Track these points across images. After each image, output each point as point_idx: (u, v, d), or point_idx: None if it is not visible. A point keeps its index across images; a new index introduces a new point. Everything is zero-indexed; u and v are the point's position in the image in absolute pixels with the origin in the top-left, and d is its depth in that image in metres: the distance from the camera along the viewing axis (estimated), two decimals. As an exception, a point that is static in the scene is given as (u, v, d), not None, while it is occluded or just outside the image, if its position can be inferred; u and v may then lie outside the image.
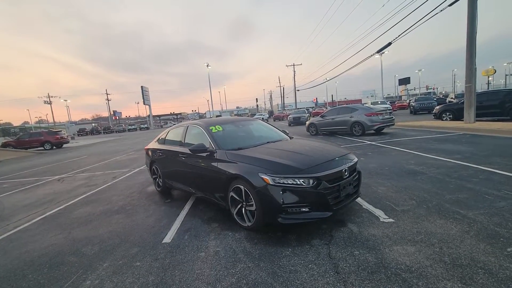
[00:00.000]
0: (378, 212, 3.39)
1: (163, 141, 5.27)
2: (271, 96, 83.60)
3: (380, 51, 17.63)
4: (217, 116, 34.66)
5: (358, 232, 2.95)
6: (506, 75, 59.46)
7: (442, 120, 13.69)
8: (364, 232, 2.92)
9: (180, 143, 4.60)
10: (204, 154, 3.83)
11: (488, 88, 40.85)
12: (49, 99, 56.90)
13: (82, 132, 53.47)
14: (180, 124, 5.18)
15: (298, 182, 2.88)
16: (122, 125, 58.93)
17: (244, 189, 3.15)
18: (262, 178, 2.95)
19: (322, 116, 13.10)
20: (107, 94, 63.68)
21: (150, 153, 5.64)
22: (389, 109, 11.82)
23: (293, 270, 2.36)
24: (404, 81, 52.43)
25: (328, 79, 40.75)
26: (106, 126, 59.53)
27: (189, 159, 4.19)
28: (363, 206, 3.64)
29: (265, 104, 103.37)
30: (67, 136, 25.06)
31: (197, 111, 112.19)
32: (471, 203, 3.39)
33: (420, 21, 12.11)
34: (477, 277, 2.05)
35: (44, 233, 3.87)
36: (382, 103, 26.10)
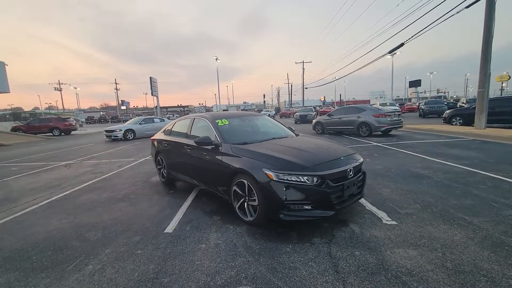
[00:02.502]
0: (381, 214, 3.36)
1: (169, 132, 5.30)
2: (278, 92, 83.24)
3: (392, 51, 17.32)
4: (223, 111, 34.69)
5: (360, 232, 2.93)
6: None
7: (452, 124, 13.44)
8: (366, 233, 2.90)
9: (186, 135, 4.62)
10: (209, 147, 3.84)
11: (501, 94, 39.88)
12: (59, 86, 57.70)
13: (90, 120, 54.13)
14: (187, 116, 5.19)
15: (302, 180, 2.86)
16: (129, 115, 59.36)
17: (248, 184, 3.15)
18: (266, 174, 2.95)
19: (329, 115, 12.99)
20: (116, 83, 64.23)
21: (155, 143, 5.67)
22: (398, 111, 11.62)
23: (292, 267, 2.36)
24: (415, 83, 51.53)
25: (337, 78, 40.37)
26: (113, 115, 60.13)
27: (194, 151, 4.21)
28: (366, 207, 3.61)
29: (272, 100, 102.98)
30: (75, 123, 25.42)
31: (204, 104, 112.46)
32: (477, 210, 3.34)
33: (435, 23, 11.84)
34: (479, 284, 2.02)
35: (50, 217, 3.95)
36: (391, 104, 25.77)
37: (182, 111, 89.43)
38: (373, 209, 3.54)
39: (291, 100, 60.87)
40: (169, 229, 3.30)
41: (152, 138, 6.03)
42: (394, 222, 3.13)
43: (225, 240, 2.93)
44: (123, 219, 3.71)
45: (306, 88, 46.43)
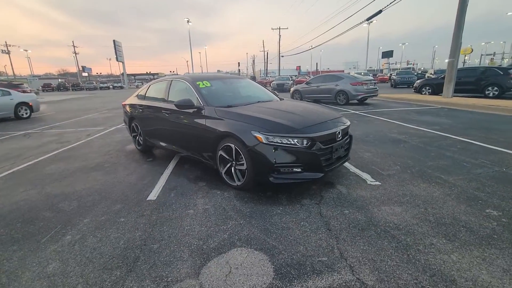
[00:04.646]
0: (365, 176, 3.46)
1: (143, 96, 4.88)
2: (253, 61, 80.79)
3: (370, 18, 17.18)
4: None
5: (347, 193, 2.99)
6: (482, 54, 61.61)
7: (422, 94, 14.08)
8: (353, 193, 2.97)
9: (163, 99, 4.27)
10: (191, 111, 3.59)
11: (463, 66, 42.18)
12: (7, 48, 50.84)
13: (47, 88, 49.04)
14: (163, 78, 4.78)
15: (292, 142, 2.79)
16: (93, 83, 54.69)
17: (235, 148, 3.03)
18: (255, 136, 2.83)
19: (307, 83, 12.90)
20: (74, 46, 57.90)
21: (128, 109, 5.24)
22: (373, 80, 11.85)
23: (285, 227, 2.36)
24: (387, 54, 52.49)
25: (313, 46, 39.80)
26: (75, 82, 55.04)
27: (173, 116, 3.93)
28: (351, 170, 3.69)
29: (247, 69, 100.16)
30: (30, 90, 22.87)
31: (175, 72, 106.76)
32: (451, 170, 3.55)
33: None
34: (459, 234, 2.16)
35: (14, 188, 3.57)
36: (365, 75, 26.20)
37: (152, 79, 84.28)
38: (357, 171, 3.63)
39: (266, 69, 59.61)
40: (152, 196, 3.13)
41: (123, 103, 5.54)
42: (378, 183, 3.24)
43: (214, 205, 2.85)
44: (99, 188, 3.46)
45: (283, 56, 45.48)
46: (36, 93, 31.70)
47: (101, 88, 52.86)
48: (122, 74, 62.48)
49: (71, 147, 5.82)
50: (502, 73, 11.74)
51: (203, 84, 3.86)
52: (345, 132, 3.32)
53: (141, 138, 4.96)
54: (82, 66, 67.43)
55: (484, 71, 12.43)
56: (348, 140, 3.39)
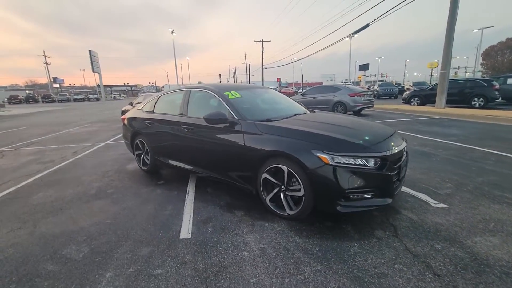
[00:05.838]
0: (423, 197, 3.07)
1: (152, 109, 4.25)
2: (235, 72, 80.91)
3: (357, 32, 17.63)
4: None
5: (419, 220, 2.57)
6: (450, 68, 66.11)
7: (411, 104, 14.41)
8: (427, 221, 2.55)
9: (180, 113, 3.68)
10: (222, 126, 3.05)
11: (430, 81, 44.73)
12: (-33, 57, 46.88)
13: (14, 100, 45.48)
14: (176, 89, 4.19)
15: (362, 163, 2.33)
16: (66, 94, 51.62)
17: (288, 170, 2.51)
18: (318, 157, 2.34)
19: (303, 95, 12.71)
20: (45, 56, 54.73)
21: (132, 123, 4.56)
22: (370, 91, 11.92)
23: (380, 274, 1.86)
24: (364, 67, 54.59)
25: (295, 59, 40.65)
26: (46, 94, 51.68)
27: (195, 132, 3.36)
28: (402, 190, 3.29)
29: (228, 80, 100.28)
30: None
31: (154, 83, 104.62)
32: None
33: (398, 6, 12.21)
34: None
35: (-6, 228, 2.77)
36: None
37: (130, 90, 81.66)
38: (410, 191, 3.24)
39: (249, 81, 59.82)
40: (185, 233, 2.51)
41: (124, 117, 4.85)
42: (444, 205, 2.85)
43: (270, 243, 2.29)
44: (111, 223, 2.77)
45: (266, 68, 45.84)
46: (1, 105, 29.20)
47: (75, 100, 50.07)
48: (98, 85, 59.90)
49: (58, 168, 4.97)
50: (486, 84, 12.28)
51: (232, 95, 3.34)
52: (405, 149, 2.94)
53: (148, 157, 4.28)
54: (53, 77, 63.78)
55: (470, 83, 12.96)
56: (407, 157, 3.00)
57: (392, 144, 2.60)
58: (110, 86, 78.42)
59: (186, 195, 3.41)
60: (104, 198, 3.47)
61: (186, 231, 2.54)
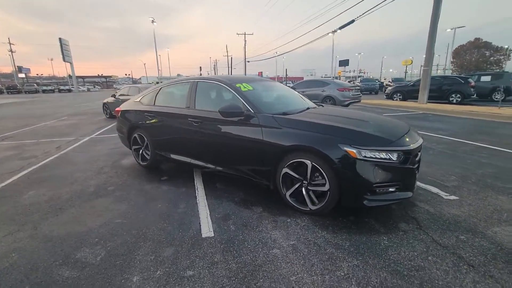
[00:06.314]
0: (433, 189, 3.16)
1: (153, 101, 4.01)
2: (215, 65, 79.43)
3: (342, 27, 17.86)
4: (156, 83, 30.62)
5: (437, 212, 2.63)
6: (421, 65, 69.36)
7: (393, 100, 14.93)
8: (444, 213, 2.62)
9: (187, 105, 3.50)
10: (236, 119, 2.93)
11: (405, 78, 46.63)
12: None
13: (-26, 90, 41.72)
14: (179, 80, 3.98)
15: (388, 157, 2.33)
16: (33, 85, 48.01)
17: (312, 164, 2.46)
18: (346, 151, 2.31)
19: (292, 88, 12.71)
20: (10, 43, 50.44)
21: (129, 116, 4.29)
22: (358, 86, 12.17)
23: (417, 267, 1.87)
24: (344, 62, 55.88)
25: (278, 53, 40.63)
26: (11, 84, 47.77)
27: (206, 125, 3.21)
28: (412, 182, 3.36)
29: (208, 73, 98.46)
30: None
31: (130, 75, 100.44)
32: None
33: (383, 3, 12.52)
34: None
35: (-12, 232, 2.49)
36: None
37: (105, 82, 77.79)
38: (419, 184, 3.31)
39: (231, 74, 59.05)
40: (207, 231, 2.39)
41: (119, 109, 4.55)
42: (455, 197, 2.95)
43: (299, 239, 2.24)
44: (122, 223, 2.58)
45: (249, 61, 45.43)
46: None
47: (44, 91, 46.85)
48: (70, 76, 56.30)
49: (44, 165, 4.59)
50: (463, 82, 12.97)
51: (245, 87, 3.21)
52: (420, 143, 2.99)
53: (147, 152, 4.06)
54: (18, 66, 59.01)
55: (448, 80, 13.63)
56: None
57: (413, 138, 2.63)
58: (83, 77, 74.27)
59: (196, 192, 3.26)
60: (106, 196, 3.24)
61: (207, 229, 2.43)
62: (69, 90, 48.25)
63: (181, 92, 3.70)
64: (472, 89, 12.72)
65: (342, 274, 1.83)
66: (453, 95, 13.08)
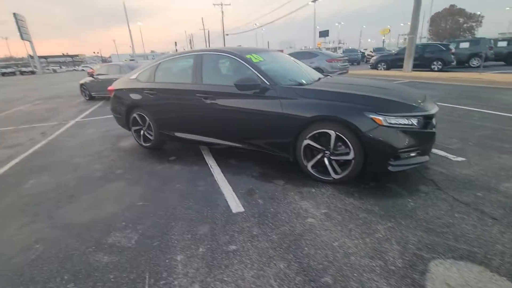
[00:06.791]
0: (440, 152, 3.30)
1: (152, 77, 3.76)
2: (191, 39, 75.47)
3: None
4: (130, 60, 28.75)
5: (450, 173, 2.77)
6: (399, 34, 69.93)
7: (378, 69, 15.11)
8: (457, 173, 2.76)
9: (193, 80, 3.31)
10: (252, 92, 2.83)
11: (383, 46, 47.05)
12: None
13: None
14: (180, 54, 3.73)
15: (411, 122, 2.38)
16: (-11, 67, 43.70)
17: (336, 134, 2.46)
18: (372, 118, 2.32)
19: (279, 61, 12.45)
20: (-46, 20, 44.54)
21: (125, 95, 4.01)
22: (345, 57, 12.12)
23: (447, 224, 1.99)
24: (324, 33, 55.02)
25: (257, 25, 39.13)
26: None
27: (217, 100, 3.08)
28: (419, 147, 3.50)
29: (184, 49, 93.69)
30: None
31: (99, 53, 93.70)
32: (503, 138, 3.67)
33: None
34: None
35: (4, 227, 2.33)
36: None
37: (71, 61, 72.07)
38: (426, 148, 3.45)
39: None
40: (236, 207, 2.38)
41: (113, 88, 4.24)
42: (462, 158, 3.11)
43: (329, 207, 2.29)
44: (144, 205, 2.51)
45: (227, 35, 43.55)
46: None
47: (3, 74, 42.87)
48: (31, 56, 51.53)
49: (35, 152, 4.30)
50: (445, 49, 13.28)
51: (256, 58, 3.07)
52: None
53: (150, 132, 3.88)
54: (-31, 46, 52.88)
55: (430, 47, 13.88)
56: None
57: (431, 103, 2.68)
58: (45, 57, 68.40)
59: (211, 169, 3.21)
60: (117, 180, 3.11)
61: (235, 204, 2.42)
62: (33, 72, 44.53)
63: (184, 66, 3.49)
64: (452, 56, 13.09)
65: (381, 236, 1.91)
66: (435, 63, 13.42)
